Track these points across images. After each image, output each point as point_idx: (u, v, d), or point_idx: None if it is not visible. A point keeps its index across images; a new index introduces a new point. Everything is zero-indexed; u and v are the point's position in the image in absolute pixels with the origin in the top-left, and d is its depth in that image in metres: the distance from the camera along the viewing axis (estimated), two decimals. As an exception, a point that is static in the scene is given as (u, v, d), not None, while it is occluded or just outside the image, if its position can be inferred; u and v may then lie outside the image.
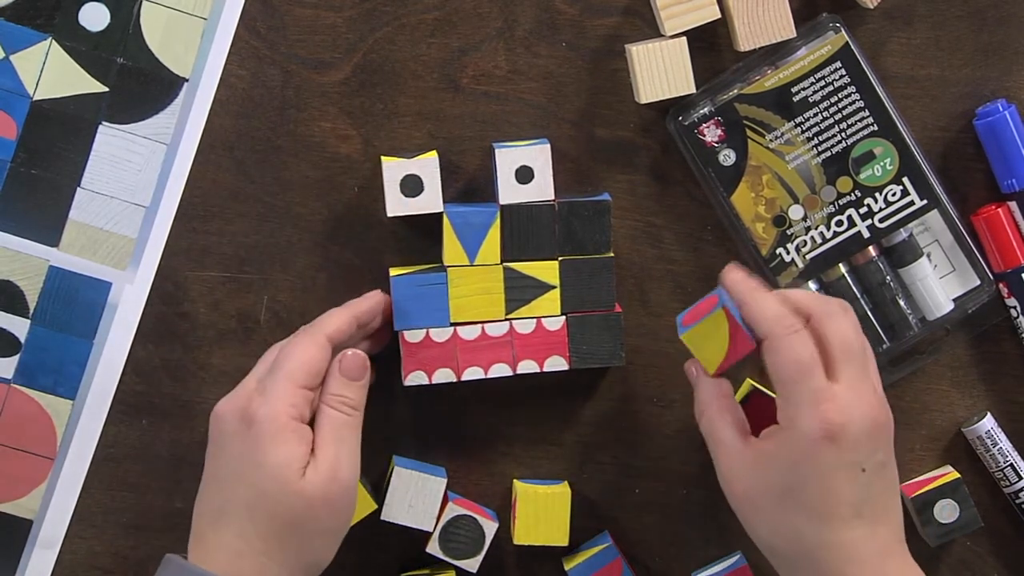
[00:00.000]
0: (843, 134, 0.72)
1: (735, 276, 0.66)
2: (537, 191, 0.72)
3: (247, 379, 0.68)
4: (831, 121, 0.72)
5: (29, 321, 0.74)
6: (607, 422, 0.76)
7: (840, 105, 0.72)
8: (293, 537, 0.64)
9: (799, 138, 0.72)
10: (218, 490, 0.66)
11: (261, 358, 0.70)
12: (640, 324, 0.76)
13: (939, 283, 0.75)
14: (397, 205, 0.71)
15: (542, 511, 0.73)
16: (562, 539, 0.74)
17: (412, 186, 0.71)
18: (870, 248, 0.74)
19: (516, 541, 0.74)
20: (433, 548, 0.74)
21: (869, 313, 0.74)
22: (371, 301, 0.71)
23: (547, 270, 0.73)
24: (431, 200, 0.71)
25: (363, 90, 0.74)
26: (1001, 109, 0.73)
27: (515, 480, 0.76)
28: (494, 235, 0.72)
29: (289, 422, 0.64)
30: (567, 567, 0.76)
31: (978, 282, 0.75)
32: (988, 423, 0.76)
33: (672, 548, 0.77)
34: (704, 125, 0.72)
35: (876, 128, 0.72)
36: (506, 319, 0.73)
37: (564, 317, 0.73)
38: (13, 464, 0.74)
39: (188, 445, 0.75)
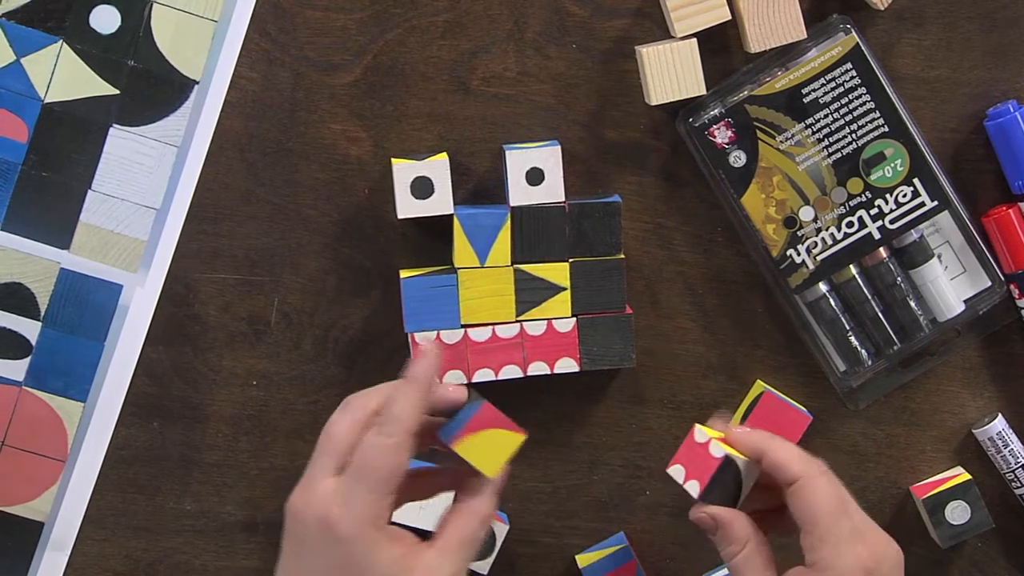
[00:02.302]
0: (854, 135, 0.72)
1: (742, 429, 0.67)
2: (547, 193, 0.72)
3: (316, 471, 0.61)
4: (842, 122, 0.72)
5: (40, 323, 0.74)
6: (617, 424, 0.76)
7: (851, 106, 0.72)
8: None
9: (810, 139, 0.72)
10: None
11: (323, 439, 0.61)
12: (650, 326, 0.76)
13: (950, 284, 0.74)
14: (407, 207, 0.71)
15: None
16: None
17: (422, 188, 0.71)
18: (881, 249, 0.73)
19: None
20: (444, 550, 0.74)
21: (880, 315, 0.74)
22: (425, 366, 0.63)
23: (557, 272, 0.73)
24: (441, 202, 0.71)
25: (373, 92, 0.74)
26: (1012, 110, 0.73)
27: None
28: (504, 237, 0.72)
29: (377, 533, 0.60)
30: (581, 565, 0.76)
31: (989, 283, 0.75)
32: (999, 424, 0.76)
33: (682, 550, 0.77)
34: (714, 127, 0.72)
35: (887, 129, 0.72)
36: (517, 321, 0.73)
37: (575, 319, 0.73)
38: (24, 466, 0.74)
39: (199, 447, 0.75)
